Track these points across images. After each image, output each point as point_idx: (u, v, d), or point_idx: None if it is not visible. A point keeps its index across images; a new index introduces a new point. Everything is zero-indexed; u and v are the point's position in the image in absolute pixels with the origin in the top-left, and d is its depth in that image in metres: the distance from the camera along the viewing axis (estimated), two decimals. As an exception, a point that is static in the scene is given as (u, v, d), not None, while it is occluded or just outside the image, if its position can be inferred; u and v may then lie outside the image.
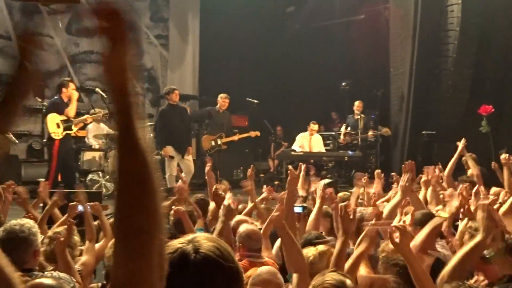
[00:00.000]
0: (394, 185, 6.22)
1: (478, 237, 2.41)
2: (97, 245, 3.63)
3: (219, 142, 9.65)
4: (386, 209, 3.74)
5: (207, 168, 5.75)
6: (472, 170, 6.15)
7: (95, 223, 3.94)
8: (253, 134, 10.24)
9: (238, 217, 4.14)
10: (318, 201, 4.22)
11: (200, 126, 11.06)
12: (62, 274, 2.65)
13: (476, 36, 10.43)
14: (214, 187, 4.80)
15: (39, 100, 10.49)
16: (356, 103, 11.04)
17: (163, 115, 8.73)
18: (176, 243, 1.19)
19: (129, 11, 1.07)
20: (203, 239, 1.20)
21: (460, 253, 2.43)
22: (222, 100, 9.60)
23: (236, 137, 9.86)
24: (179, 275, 1.14)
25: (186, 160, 8.67)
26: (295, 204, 4.29)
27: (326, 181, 8.08)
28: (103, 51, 1.07)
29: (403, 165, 4.14)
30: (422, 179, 4.99)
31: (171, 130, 8.49)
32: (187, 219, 4.15)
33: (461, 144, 6.30)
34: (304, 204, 4.57)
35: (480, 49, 10.48)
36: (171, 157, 8.47)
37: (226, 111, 9.75)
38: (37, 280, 2.07)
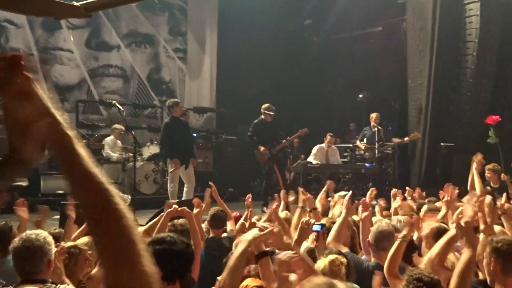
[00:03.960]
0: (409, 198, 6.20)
1: (465, 254, 2.41)
2: None
3: (273, 152, 9.73)
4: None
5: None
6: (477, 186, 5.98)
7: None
8: (302, 132, 10.27)
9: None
10: (343, 211, 4.17)
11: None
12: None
13: (495, 47, 10.33)
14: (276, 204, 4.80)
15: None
16: (373, 115, 10.92)
17: (167, 128, 8.83)
18: None
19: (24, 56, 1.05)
20: None
21: (456, 273, 2.44)
22: (267, 112, 9.68)
23: (286, 142, 9.94)
24: None
25: (188, 171, 8.74)
26: (315, 222, 4.28)
27: (343, 193, 8.02)
28: (12, 111, 1.05)
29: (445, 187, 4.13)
30: (445, 199, 4.89)
31: (175, 142, 8.59)
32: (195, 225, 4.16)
33: (474, 161, 6.15)
34: (323, 222, 4.53)
35: (500, 60, 10.36)
36: (180, 165, 8.56)
37: (272, 122, 9.83)
38: None
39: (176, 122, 8.80)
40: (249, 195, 5.51)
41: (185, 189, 8.59)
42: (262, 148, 9.68)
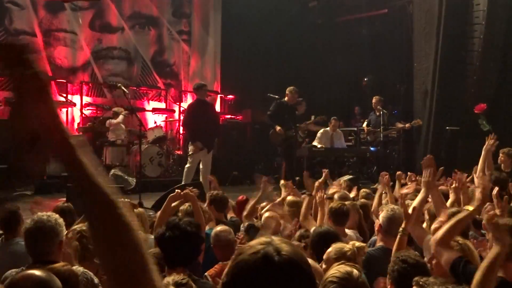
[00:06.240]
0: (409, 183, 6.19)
1: (495, 249, 2.37)
2: None
3: (289, 134, 9.61)
4: (411, 207, 3.69)
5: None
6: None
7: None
8: (320, 119, 10.23)
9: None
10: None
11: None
12: (84, 270, 2.69)
13: (503, 30, 10.23)
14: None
15: (63, 95, 10.69)
16: (374, 99, 10.89)
17: (191, 110, 8.79)
18: (256, 244, 1.20)
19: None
20: (281, 242, 1.21)
21: (481, 268, 2.39)
22: (292, 95, 9.61)
23: (305, 126, 9.93)
24: (262, 276, 1.16)
25: (208, 155, 8.72)
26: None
27: (347, 177, 8.03)
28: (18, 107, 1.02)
29: (421, 162, 4.05)
30: (453, 186, 4.83)
31: (198, 125, 8.56)
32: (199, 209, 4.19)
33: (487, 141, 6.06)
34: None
35: (506, 43, 10.27)
36: (202, 149, 8.54)
37: (293, 105, 9.75)
38: (29, 271, 2.08)
39: (200, 105, 8.76)
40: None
41: (201, 171, 8.58)
42: (278, 128, 9.55)
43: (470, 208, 3.15)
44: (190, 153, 8.62)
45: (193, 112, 8.68)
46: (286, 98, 9.70)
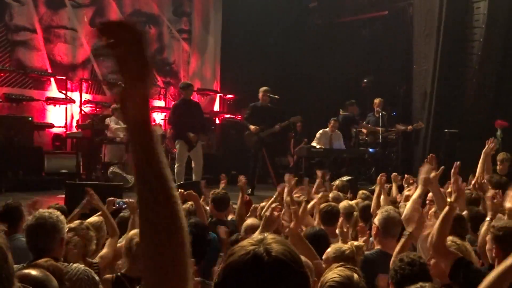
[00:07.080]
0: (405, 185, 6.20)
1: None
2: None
3: (261, 135, 9.48)
4: (408, 204, 3.70)
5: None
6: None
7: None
8: (294, 120, 10.11)
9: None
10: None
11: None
12: (85, 268, 2.70)
13: (503, 34, 10.25)
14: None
15: (63, 92, 10.68)
16: (376, 101, 10.90)
17: (175, 109, 8.87)
18: (247, 244, 1.19)
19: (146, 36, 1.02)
20: (273, 242, 1.20)
21: (496, 271, 2.24)
22: (262, 94, 9.50)
23: (278, 128, 9.65)
24: (251, 277, 1.14)
25: (196, 151, 8.76)
26: None
27: (345, 178, 8.04)
28: (122, 87, 1.04)
29: (425, 159, 4.05)
30: (448, 190, 4.80)
31: (183, 125, 8.61)
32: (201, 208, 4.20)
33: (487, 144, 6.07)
34: None
35: (506, 46, 10.29)
36: (187, 142, 8.60)
37: (269, 105, 9.57)
38: (25, 271, 2.08)
39: (185, 104, 8.80)
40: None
41: (193, 169, 8.65)
42: (252, 127, 9.43)
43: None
44: (175, 151, 8.66)
45: (177, 111, 8.76)
46: (260, 100, 9.60)
